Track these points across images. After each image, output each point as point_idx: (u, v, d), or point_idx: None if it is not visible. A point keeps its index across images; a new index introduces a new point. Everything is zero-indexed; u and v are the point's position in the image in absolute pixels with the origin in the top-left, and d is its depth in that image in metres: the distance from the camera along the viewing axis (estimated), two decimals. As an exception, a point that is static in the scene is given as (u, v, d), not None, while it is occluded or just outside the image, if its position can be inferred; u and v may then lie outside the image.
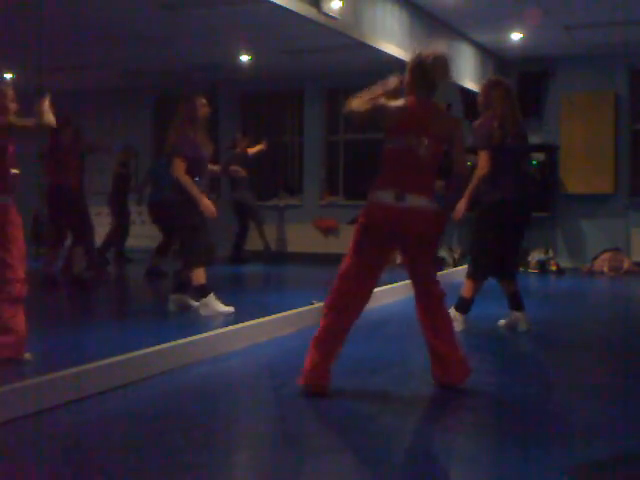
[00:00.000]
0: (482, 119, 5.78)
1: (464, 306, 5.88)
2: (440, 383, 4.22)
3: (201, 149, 6.48)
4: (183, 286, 6.60)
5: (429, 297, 4.22)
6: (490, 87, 5.80)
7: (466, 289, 5.87)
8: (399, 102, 4.14)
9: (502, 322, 6.02)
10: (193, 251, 6.36)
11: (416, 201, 4.04)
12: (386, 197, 4.04)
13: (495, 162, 5.64)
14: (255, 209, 11.28)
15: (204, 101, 6.64)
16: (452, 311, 5.69)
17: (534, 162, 10.98)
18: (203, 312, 6.27)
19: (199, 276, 6.31)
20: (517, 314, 5.93)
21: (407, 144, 4.07)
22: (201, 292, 6.33)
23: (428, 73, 4.15)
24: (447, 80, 4.27)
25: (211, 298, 6.29)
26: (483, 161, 5.67)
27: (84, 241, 8.68)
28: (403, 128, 4.09)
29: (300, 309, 6.20)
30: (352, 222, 13.29)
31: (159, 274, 9.11)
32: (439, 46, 4.45)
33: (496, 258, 5.80)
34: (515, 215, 5.76)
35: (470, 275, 5.87)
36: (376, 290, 7.38)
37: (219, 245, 11.05)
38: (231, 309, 6.33)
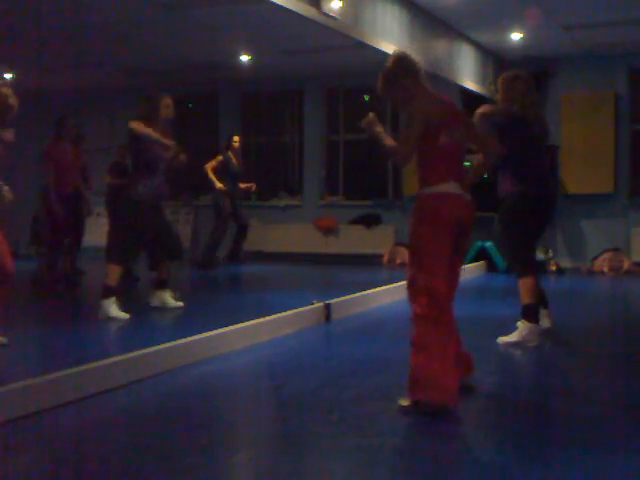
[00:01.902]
0: (514, 111, 5.56)
1: (530, 313, 5.46)
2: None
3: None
4: (162, 282, 6.79)
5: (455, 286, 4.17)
6: (510, 81, 5.62)
7: (522, 294, 5.50)
8: (426, 100, 4.07)
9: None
10: (119, 249, 6.57)
11: (467, 194, 4.11)
12: (453, 189, 4.02)
13: (519, 155, 5.50)
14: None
15: (169, 102, 6.60)
16: (520, 324, 5.47)
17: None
18: (100, 313, 6.28)
19: (113, 276, 6.34)
20: (542, 311, 5.75)
21: (454, 138, 4.07)
22: (105, 292, 6.31)
23: (415, 64, 4.14)
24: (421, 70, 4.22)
25: (109, 301, 6.28)
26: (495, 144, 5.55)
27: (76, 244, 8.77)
28: (449, 123, 4.07)
29: (300, 309, 6.20)
30: (354, 222, 13.37)
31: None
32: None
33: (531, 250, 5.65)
34: (538, 209, 5.60)
35: (519, 275, 5.55)
36: (376, 290, 7.46)
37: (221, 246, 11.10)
38: (125, 316, 6.27)
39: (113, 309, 6.26)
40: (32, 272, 8.84)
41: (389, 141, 4.05)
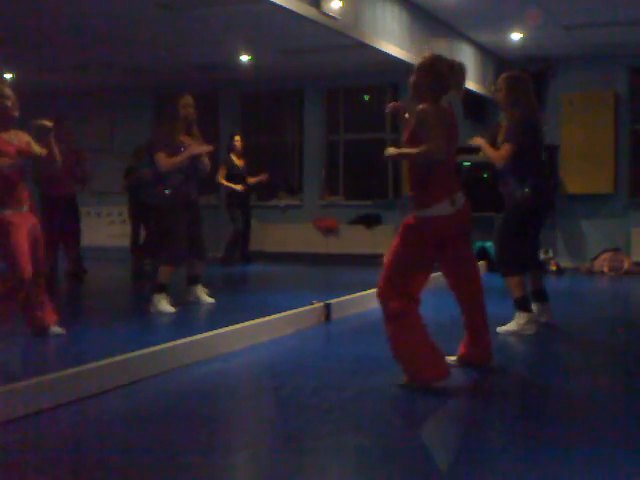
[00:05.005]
0: (516, 112, 5.63)
1: (522, 304, 5.72)
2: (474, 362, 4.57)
3: (177, 147, 6.57)
4: (195, 278, 7.01)
5: (475, 282, 4.51)
6: (513, 82, 5.68)
7: (512, 289, 5.72)
8: (438, 110, 4.16)
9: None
10: (166, 250, 6.70)
11: (462, 198, 4.28)
12: (445, 209, 4.19)
13: (526, 159, 5.59)
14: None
15: (188, 101, 6.63)
16: (516, 316, 5.72)
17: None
18: (151, 307, 6.55)
19: (164, 274, 6.61)
20: (539, 305, 5.99)
21: (452, 151, 4.23)
22: (157, 289, 6.60)
23: (444, 78, 4.19)
24: (459, 92, 4.29)
25: (160, 297, 6.55)
26: (506, 152, 5.57)
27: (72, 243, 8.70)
28: (449, 138, 4.20)
29: (300, 309, 6.20)
30: (354, 222, 13.37)
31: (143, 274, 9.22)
32: (455, 55, 4.50)
33: (529, 250, 5.84)
34: (541, 208, 5.78)
35: (504, 274, 5.76)
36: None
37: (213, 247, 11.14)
38: (172, 310, 6.54)
39: (163, 304, 6.51)
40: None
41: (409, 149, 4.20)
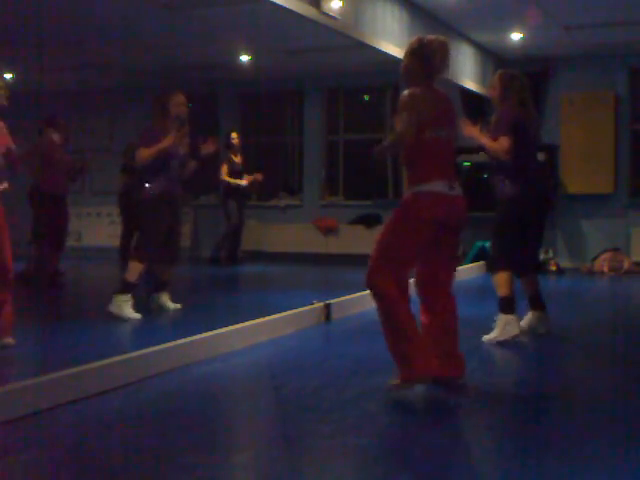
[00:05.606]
0: (504, 107, 5.57)
1: (503, 306, 5.46)
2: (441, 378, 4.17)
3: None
4: (162, 285, 6.69)
5: (445, 287, 4.25)
6: (507, 80, 5.63)
7: (497, 287, 5.52)
8: (419, 93, 4.11)
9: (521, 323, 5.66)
10: (142, 246, 6.46)
11: (458, 189, 4.16)
12: (440, 187, 4.08)
13: (518, 155, 5.45)
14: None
15: (181, 99, 6.49)
16: (498, 318, 5.49)
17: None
18: (111, 308, 6.17)
19: (133, 271, 6.27)
20: (537, 314, 5.75)
21: (442, 135, 4.14)
22: (122, 288, 6.23)
23: (430, 59, 4.17)
24: (445, 69, 4.26)
25: (124, 298, 6.17)
26: (506, 143, 5.37)
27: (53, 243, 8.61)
28: (437, 120, 4.14)
29: (300, 309, 6.20)
30: (354, 222, 13.34)
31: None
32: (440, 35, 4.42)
33: (520, 252, 5.62)
34: (537, 208, 5.63)
35: (494, 270, 5.58)
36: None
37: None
38: (137, 316, 6.17)
39: (126, 307, 6.15)
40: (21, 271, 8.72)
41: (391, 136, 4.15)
